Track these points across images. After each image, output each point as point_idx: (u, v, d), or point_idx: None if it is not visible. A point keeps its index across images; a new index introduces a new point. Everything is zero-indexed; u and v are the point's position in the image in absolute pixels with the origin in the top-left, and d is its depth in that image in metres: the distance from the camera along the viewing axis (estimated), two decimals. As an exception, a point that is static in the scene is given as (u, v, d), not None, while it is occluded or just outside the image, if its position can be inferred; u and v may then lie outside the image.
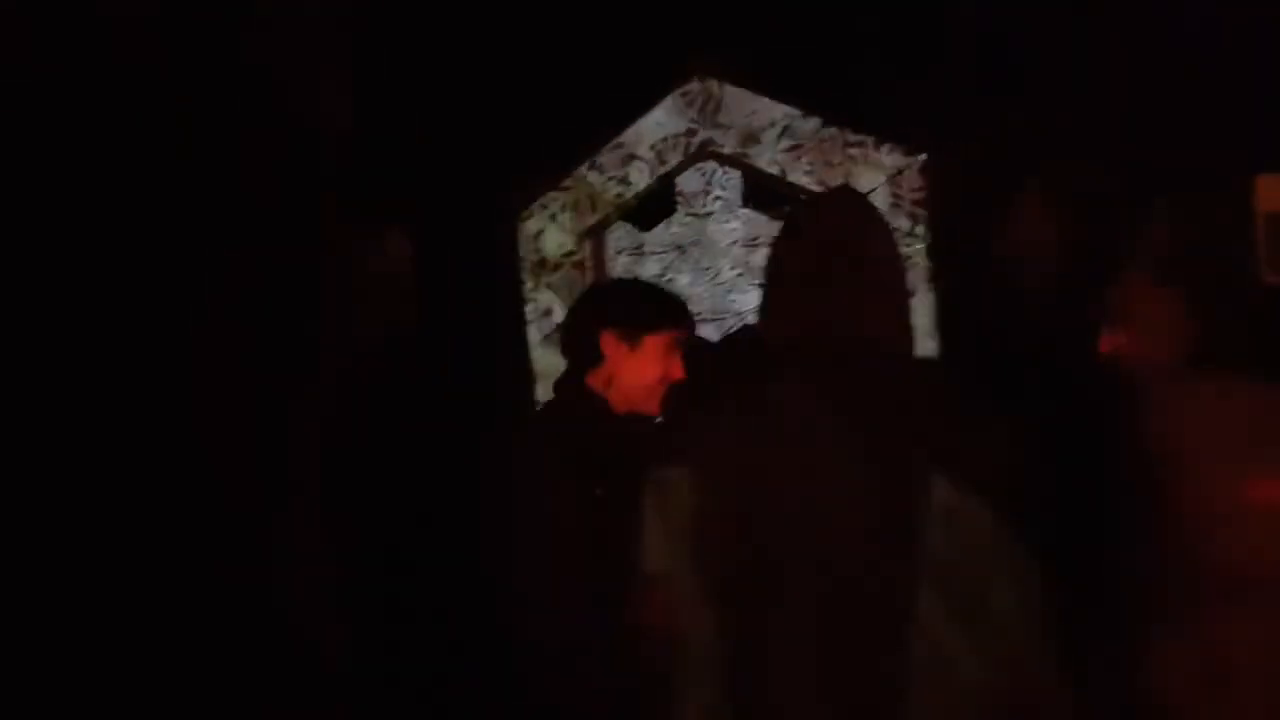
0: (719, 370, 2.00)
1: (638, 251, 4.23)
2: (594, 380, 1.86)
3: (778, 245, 1.32)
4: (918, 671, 0.97)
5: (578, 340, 1.90)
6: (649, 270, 4.20)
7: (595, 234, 3.95)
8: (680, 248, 4.22)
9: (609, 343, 1.84)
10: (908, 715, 0.98)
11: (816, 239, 1.23)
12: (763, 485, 1.07)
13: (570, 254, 3.84)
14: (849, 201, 1.37)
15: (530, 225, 3.85)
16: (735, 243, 4.18)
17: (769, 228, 4.12)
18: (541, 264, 3.85)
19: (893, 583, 1.00)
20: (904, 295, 1.21)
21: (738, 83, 3.59)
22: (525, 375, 3.86)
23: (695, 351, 1.97)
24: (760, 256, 4.17)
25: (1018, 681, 0.98)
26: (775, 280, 1.27)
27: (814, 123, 3.54)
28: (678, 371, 1.84)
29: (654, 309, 1.88)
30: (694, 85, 3.64)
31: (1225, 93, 2.65)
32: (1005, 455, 1.02)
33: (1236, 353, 1.31)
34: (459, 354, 3.60)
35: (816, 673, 1.02)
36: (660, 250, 4.20)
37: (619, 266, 4.24)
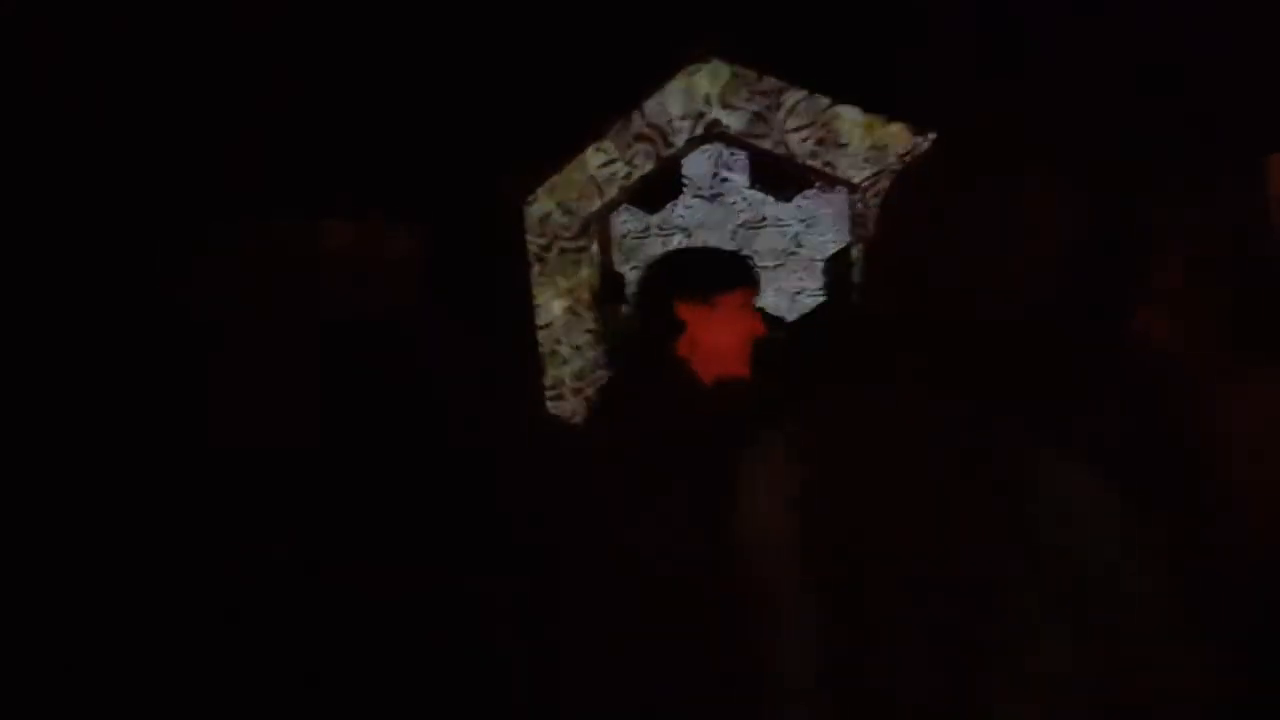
0: (812, 347, 2.00)
1: (644, 234, 4.20)
2: (680, 350, 1.87)
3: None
4: (1009, 655, 0.92)
5: (655, 313, 1.90)
6: (654, 253, 4.17)
7: (601, 217, 3.92)
8: (687, 230, 4.18)
9: (686, 310, 1.85)
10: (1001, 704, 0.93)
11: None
12: (861, 463, 1.03)
13: (575, 237, 3.82)
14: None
15: (535, 209, 3.82)
16: (743, 225, 4.15)
17: (776, 209, 4.08)
18: (547, 247, 3.83)
19: (993, 568, 0.94)
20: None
21: (745, 63, 3.55)
22: (531, 359, 3.84)
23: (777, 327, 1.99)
24: (766, 238, 4.13)
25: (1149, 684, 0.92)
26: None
27: (822, 102, 3.50)
28: (759, 328, 1.85)
29: (722, 269, 1.90)
30: (701, 66, 3.60)
31: (1235, 74, 2.62)
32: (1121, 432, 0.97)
33: (1267, 337, 1.28)
34: (464, 339, 3.59)
35: (908, 665, 0.98)
36: (667, 232, 4.17)
37: (625, 249, 4.21)
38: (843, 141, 3.50)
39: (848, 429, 1.06)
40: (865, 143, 3.49)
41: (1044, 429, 0.95)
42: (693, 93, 3.62)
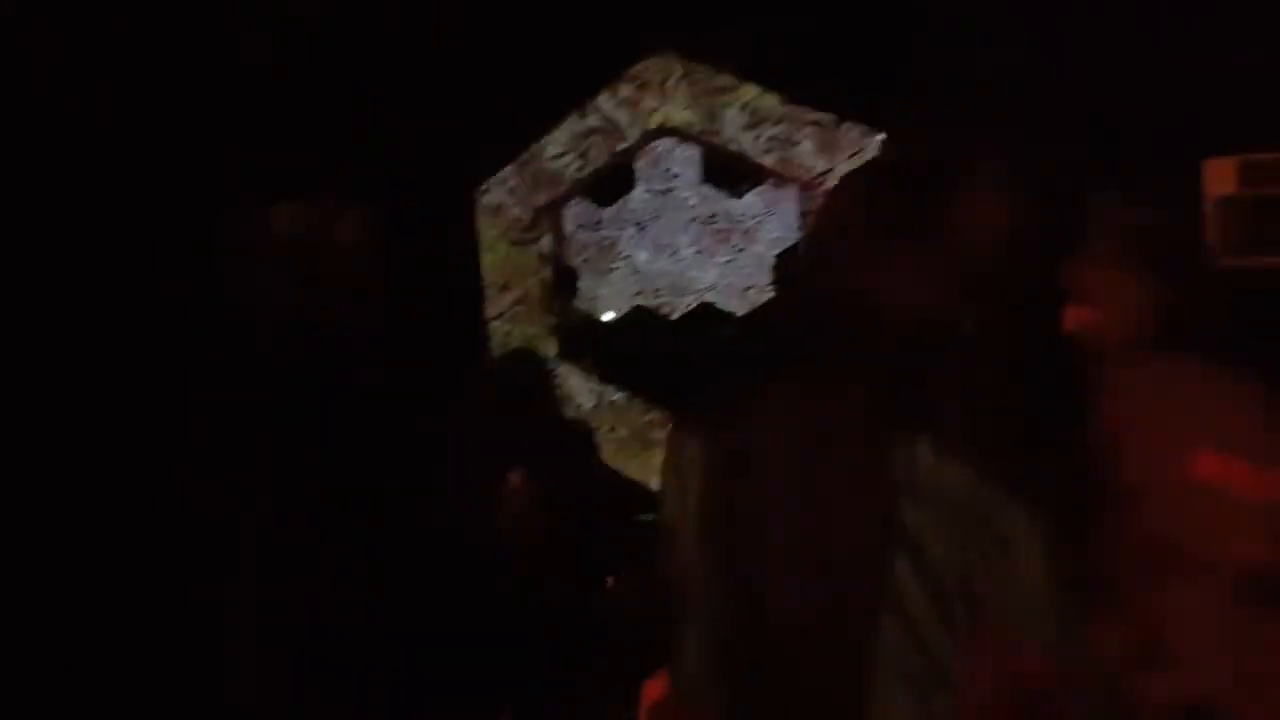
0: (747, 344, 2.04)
1: (596, 227, 4.21)
2: None
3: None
4: (896, 654, 0.96)
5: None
6: (607, 246, 4.19)
7: (553, 209, 3.92)
8: (639, 224, 4.20)
9: None
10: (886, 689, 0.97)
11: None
12: (767, 460, 1.06)
13: (528, 229, 3.81)
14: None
15: (488, 199, 3.81)
16: (694, 220, 4.18)
17: (728, 205, 4.12)
18: (499, 238, 3.82)
19: (872, 552, 0.98)
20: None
21: (698, 59, 3.58)
22: (480, 348, 3.83)
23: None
24: (718, 234, 4.17)
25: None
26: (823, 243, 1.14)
27: (773, 100, 3.54)
28: None
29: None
30: (653, 61, 3.62)
31: (1177, 74, 2.69)
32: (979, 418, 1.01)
33: (1192, 335, 1.33)
34: (413, 327, 3.57)
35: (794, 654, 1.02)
36: (619, 226, 4.19)
37: (577, 241, 4.22)
38: (794, 139, 3.54)
39: (749, 429, 1.10)
40: (816, 140, 3.53)
41: (931, 426, 0.99)
42: (646, 87, 3.64)
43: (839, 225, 1.10)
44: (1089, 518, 1.31)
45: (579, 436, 2.76)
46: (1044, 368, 1.25)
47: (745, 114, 3.56)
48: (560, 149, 3.73)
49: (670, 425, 1.32)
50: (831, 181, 3.49)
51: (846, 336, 1.04)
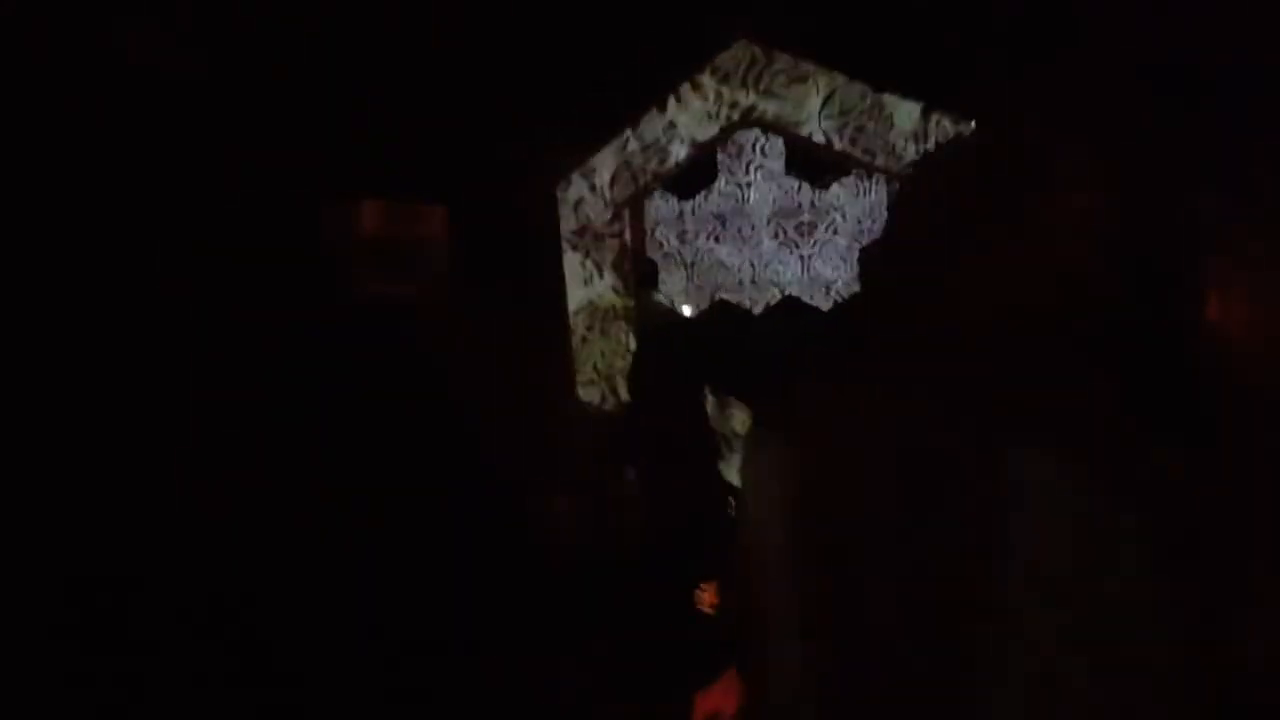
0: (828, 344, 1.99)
1: (677, 220, 4.17)
2: None
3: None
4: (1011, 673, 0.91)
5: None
6: (688, 240, 4.15)
7: (635, 203, 3.89)
8: (721, 217, 4.15)
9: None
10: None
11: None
12: (846, 465, 1.01)
13: (609, 223, 3.80)
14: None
15: (569, 194, 3.81)
16: (777, 212, 4.11)
17: (811, 196, 4.04)
18: (580, 233, 3.81)
19: (979, 560, 0.92)
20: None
21: (781, 48, 3.51)
22: (564, 344, 3.84)
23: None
24: (801, 226, 4.09)
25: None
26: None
27: (859, 89, 3.45)
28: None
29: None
30: (736, 51, 3.56)
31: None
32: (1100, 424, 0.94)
33: None
34: (497, 324, 3.58)
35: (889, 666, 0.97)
36: (700, 220, 4.14)
37: (658, 235, 4.19)
38: (881, 129, 3.45)
39: (837, 430, 1.04)
40: (904, 131, 3.44)
41: (1021, 428, 0.93)
42: (729, 78, 3.58)
43: (921, 214, 1.05)
44: (1224, 521, 1.21)
45: (701, 436, 2.65)
46: (1163, 367, 1.17)
47: (829, 103, 3.48)
48: (641, 143, 3.70)
49: (751, 425, 1.28)
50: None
51: (934, 332, 0.99)
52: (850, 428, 1.04)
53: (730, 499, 2.93)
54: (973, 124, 3.35)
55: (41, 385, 2.43)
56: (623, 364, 3.73)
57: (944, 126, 3.39)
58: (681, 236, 4.18)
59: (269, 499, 2.34)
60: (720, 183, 4.13)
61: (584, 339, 3.83)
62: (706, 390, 2.86)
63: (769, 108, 3.55)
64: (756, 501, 1.11)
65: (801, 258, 4.08)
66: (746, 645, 1.13)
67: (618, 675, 2.31)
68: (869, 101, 3.44)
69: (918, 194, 1.08)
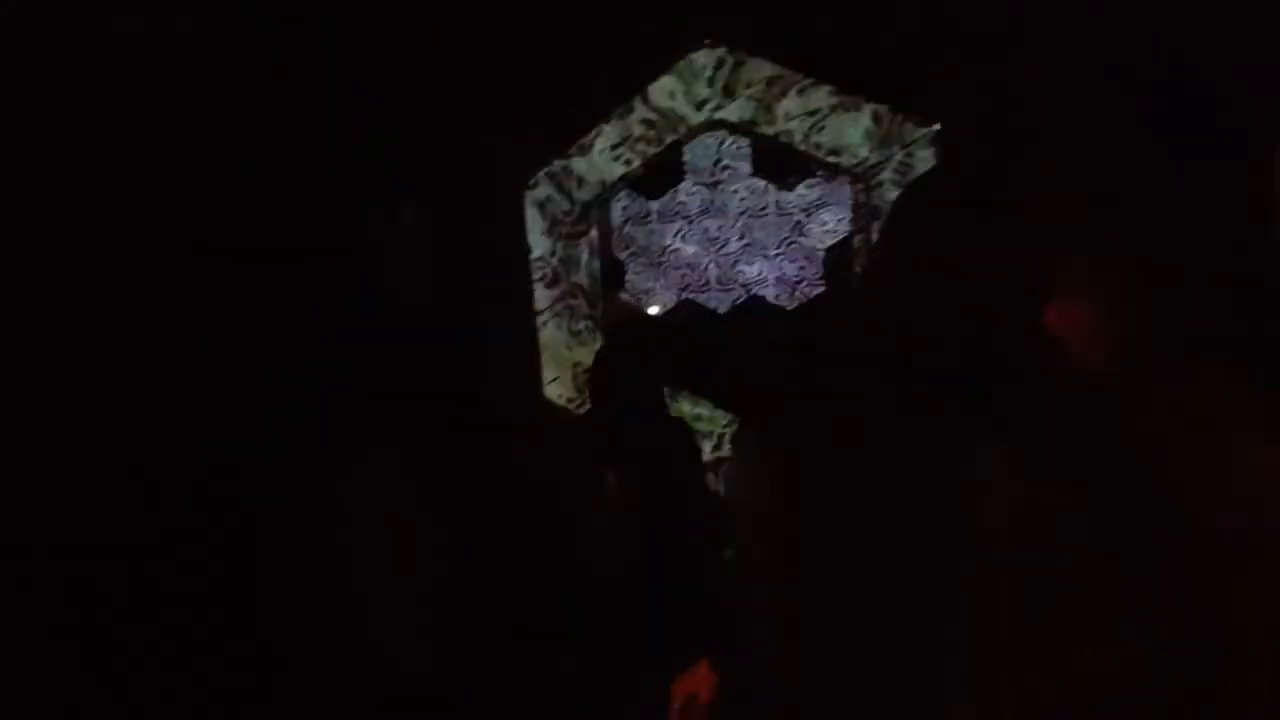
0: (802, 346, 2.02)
1: (644, 220, 4.18)
2: None
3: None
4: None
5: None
6: (655, 239, 4.17)
7: (602, 202, 3.90)
8: (688, 217, 4.17)
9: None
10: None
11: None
12: (829, 462, 1.05)
13: (576, 222, 3.80)
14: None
15: (536, 193, 3.81)
16: (744, 213, 4.13)
17: (777, 197, 4.07)
18: (547, 231, 3.81)
19: (943, 554, 0.96)
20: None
21: (748, 49, 3.54)
22: (530, 341, 3.84)
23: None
24: (767, 227, 4.12)
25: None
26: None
27: (824, 91, 3.49)
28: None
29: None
30: (703, 52, 3.58)
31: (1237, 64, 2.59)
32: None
33: (1217, 335, 1.21)
34: (464, 321, 3.58)
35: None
36: (667, 219, 4.16)
37: (625, 234, 4.20)
38: (846, 130, 3.48)
39: (821, 431, 1.08)
40: (869, 132, 3.47)
41: (991, 430, 0.97)
42: (696, 79, 3.60)
43: (908, 234, 1.08)
44: (1163, 519, 1.25)
45: (681, 435, 2.62)
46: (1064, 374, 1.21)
47: (796, 105, 3.51)
48: (608, 142, 3.71)
49: (739, 426, 1.30)
50: (884, 174, 3.43)
51: (915, 338, 1.02)
52: (827, 429, 1.07)
53: (718, 501, 2.94)
54: (936, 126, 3.40)
55: (42, 385, 2.41)
56: (588, 362, 3.74)
57: (908, 128, 3.43)
58: (648, 235, 4.20)
59: (281, 502, 2.33)
60: (687, 183, 4.15)
61: (551, 338, 3.84)
62: (666, 390, 2.86)
63: (736, 109, 3.58)
64: (741, 502, 1.14)
65: (768, 257, 4.11)
66: (732, 637, 1.16)
67: (606, 662, 2.32)
68: (834, 103, 3.48)
69: (903, 215, 1.12)
